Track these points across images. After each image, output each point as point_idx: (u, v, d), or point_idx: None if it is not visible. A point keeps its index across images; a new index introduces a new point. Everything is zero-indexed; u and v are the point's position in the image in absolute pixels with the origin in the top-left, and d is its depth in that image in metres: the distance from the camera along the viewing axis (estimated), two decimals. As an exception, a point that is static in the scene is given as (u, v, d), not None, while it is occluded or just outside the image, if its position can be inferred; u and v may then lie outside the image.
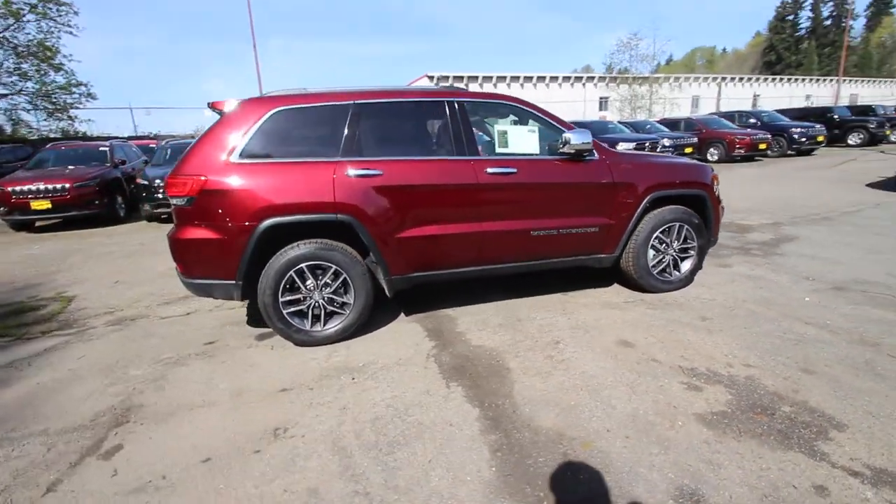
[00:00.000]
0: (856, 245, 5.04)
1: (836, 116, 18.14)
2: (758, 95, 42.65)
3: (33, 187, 8.13)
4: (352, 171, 3.06)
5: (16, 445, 2.30)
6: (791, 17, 65.93)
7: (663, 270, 3.88)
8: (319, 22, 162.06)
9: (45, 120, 20.33)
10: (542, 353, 2.96)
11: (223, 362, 3.07)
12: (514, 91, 31.18)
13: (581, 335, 3.18)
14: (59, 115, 20.22)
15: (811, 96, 43.64)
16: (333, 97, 3.18)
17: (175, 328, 3.72)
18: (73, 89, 19.82)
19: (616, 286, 4.12)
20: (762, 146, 14.57)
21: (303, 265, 3.06)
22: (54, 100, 19.83)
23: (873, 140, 17.45)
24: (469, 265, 3.41)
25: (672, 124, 16.53)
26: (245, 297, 3.18)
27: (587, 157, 3.51)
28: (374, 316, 3.44)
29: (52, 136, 19.27)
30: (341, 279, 3.16)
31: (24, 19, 17.73)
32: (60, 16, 18.21)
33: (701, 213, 3.89)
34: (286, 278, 3.06)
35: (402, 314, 3.71)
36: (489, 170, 3.29)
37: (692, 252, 3.92)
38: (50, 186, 8.15)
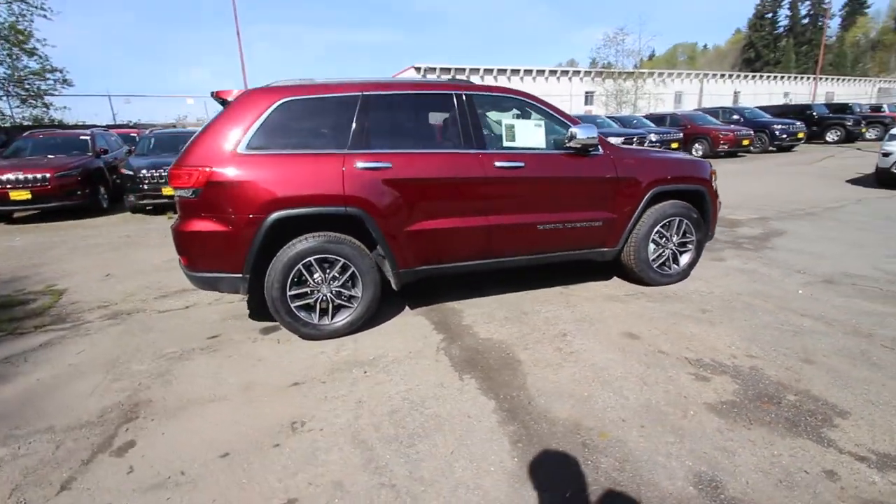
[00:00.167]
0: (840, 240, 5.21)
1: (815, 114, 18.62)
2: (738, 92, 43.58)
3: (12, 176, 7.80)
4: (361, 164, 3.03)
5: (22, 443, 2.24)
6: (770, 16, 67.32)
7: (663, 264, 3.96)
8: (303, 10, 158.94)
9: (17, 107, 19.45)
10: (551, 345, 3.00)
11: (229, 356, 3.03)
12: (501, 84, 31.12)
13: (587, 328, 3.23)
14: (33, 101, 19.37)
15: (789, 94, 44.75)
16: (341, 88, 3.13)
17: (174, 322, 3.65)
18: (48, 75, 19.00)
19: (616, 279, 4.19)
20: (745, 142, 14.89)
21: (311, 258, 3.03)
22: (27, 86, 18.99)
23: (850, 137, 18.00)
24: (476, 259, 3.43)
25: (658, 119, 16.75)
26: (251, 291, 3.14)
27: (592, 152, 3.55)
28: (380, 309, 3.43)
29: (25, 123, 18.47)
30: (349, 272, 3.14)
31: (-6, 1, 16.94)
32: (33, -2, 17.45)
33: (700, 207, 3.97)
34: (294, 272, 3.03)
35: (407, 307, 3.71)
36: (498, 163, 3.30)
37: (691, 246, 4.01)
38: (30, 176, 7.85)
